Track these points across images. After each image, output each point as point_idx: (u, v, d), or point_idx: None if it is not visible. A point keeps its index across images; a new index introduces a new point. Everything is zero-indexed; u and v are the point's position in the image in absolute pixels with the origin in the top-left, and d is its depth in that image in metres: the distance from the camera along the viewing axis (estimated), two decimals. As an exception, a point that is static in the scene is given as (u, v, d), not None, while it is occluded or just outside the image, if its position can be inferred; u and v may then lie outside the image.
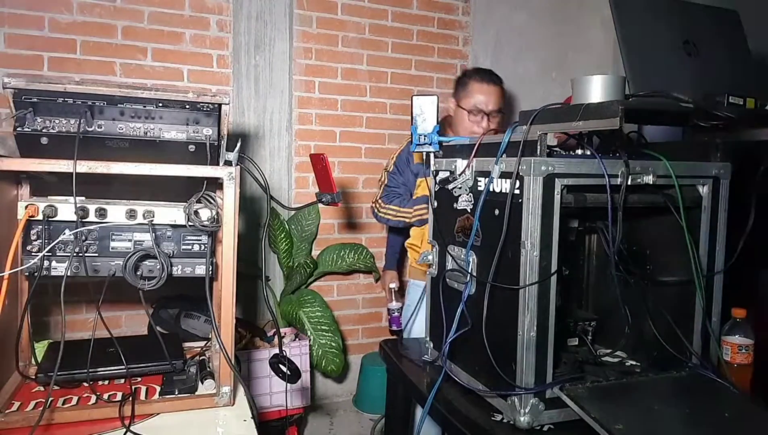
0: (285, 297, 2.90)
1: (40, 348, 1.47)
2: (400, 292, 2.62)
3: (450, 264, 1.38)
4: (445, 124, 2.28)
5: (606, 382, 1.22)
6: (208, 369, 1.42)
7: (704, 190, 1.28)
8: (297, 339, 2.73)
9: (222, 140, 1.31)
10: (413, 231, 2.24)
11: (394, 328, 2.51)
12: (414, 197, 2.21)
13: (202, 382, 1.35)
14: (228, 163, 1.31)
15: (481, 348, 1.19)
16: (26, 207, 1.20)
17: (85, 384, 1.31)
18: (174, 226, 1.31)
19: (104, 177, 1.21)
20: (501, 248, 1.17)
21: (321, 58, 3.07)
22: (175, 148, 1.26)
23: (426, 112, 1.48)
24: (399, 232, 2.67)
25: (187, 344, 1.64)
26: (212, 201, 1.29)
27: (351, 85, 3.13)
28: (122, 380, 1.38)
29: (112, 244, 1.28)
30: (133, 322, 2.61)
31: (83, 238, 1.25)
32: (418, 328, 2.05)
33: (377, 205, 2.24)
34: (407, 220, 2.15)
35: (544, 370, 1.14)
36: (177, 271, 1.30)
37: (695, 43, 1.23)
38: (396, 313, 2.50)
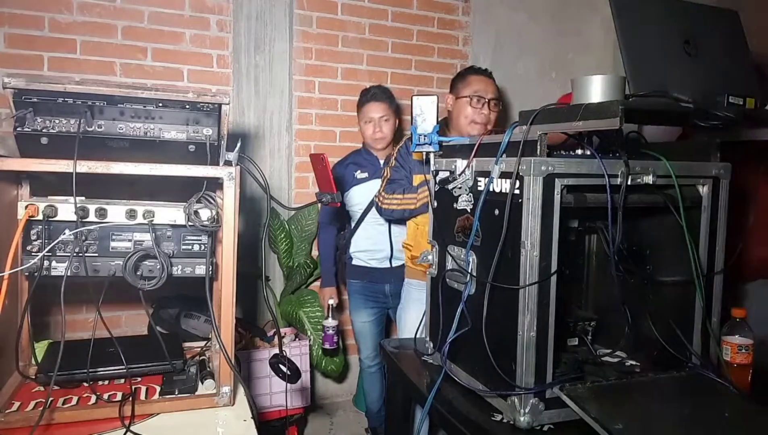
0: (285, 297, 2.90)
1: (40, 348, 1.47)
2: (337, 309, 2.63)
3: (450, 264, 1.38)
4: (443, 125, 2.28)
5: (606, 382, 1.22)
6: (208, 369, 1.42)
7: (704, 190, 1.28)
8: (297, 339, 2.73)
9: (222, 140, 1.31)
10: (409, 227, 2.24)
11: (327, 346, 2.47)
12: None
13: (202, 382, 1.35)
14: (228, 163, 1.31)
15: (481, 348, 1.19)
16: (26, 207, 1.20)
17: (85, 384, 1.31)
18: (174, 226, 1.31)
19: (104, 177, 1.21)
20: (501, 248, 1.17)
21: (321, 58, 3.07)
22: (175, 148, 1.26)
23: (426, 112, 1.48)
24: (331, 245, 2.67)
25: (187, 344, 1.64)
26: (212, 201, 1.29)
27: (351, 85, 3.12)
28: (122, 380, 1.38)
29: (112, 244, 1.28)
30: (133, 322, 2.61)
31: (83, 238, 1.25)
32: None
33: (380, 199, 2.25)
34: (412, 208, 2.13)
35: (544, 370, 1.14)
36: (177, 271, 1.30)
37: (695, 43, 1.22)
38: (331, 331, 2.45)
